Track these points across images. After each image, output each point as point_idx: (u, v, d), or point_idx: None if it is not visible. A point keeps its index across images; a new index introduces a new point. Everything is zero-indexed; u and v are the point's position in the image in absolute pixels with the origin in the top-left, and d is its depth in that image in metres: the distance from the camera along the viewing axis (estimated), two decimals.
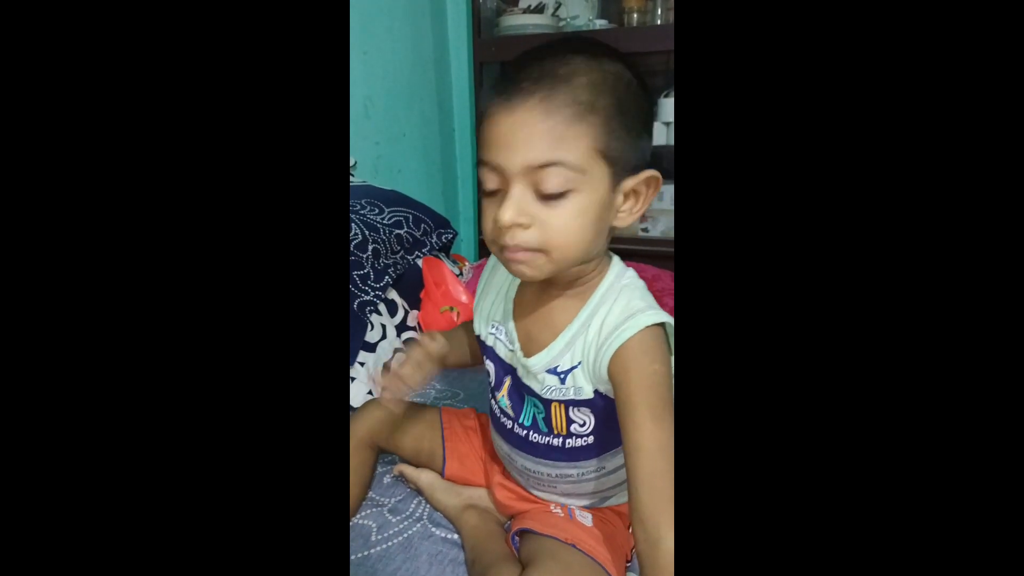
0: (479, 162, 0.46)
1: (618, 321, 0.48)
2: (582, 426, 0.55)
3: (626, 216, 0.48)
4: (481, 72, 1.65)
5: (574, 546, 0.54)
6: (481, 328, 0.61)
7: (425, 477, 0.67)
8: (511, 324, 0.57)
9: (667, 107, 1.54)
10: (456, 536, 0.63)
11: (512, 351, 0.56)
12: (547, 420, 0.55)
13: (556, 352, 0.52)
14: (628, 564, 0.59)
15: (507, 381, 0.58)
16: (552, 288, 0.53)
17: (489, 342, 0.59)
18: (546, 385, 0.53)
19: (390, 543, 0.62)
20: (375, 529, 0.64)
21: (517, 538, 0.59)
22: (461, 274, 1.29)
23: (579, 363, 0.51)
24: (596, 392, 0.51)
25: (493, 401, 0.61)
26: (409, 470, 0.69)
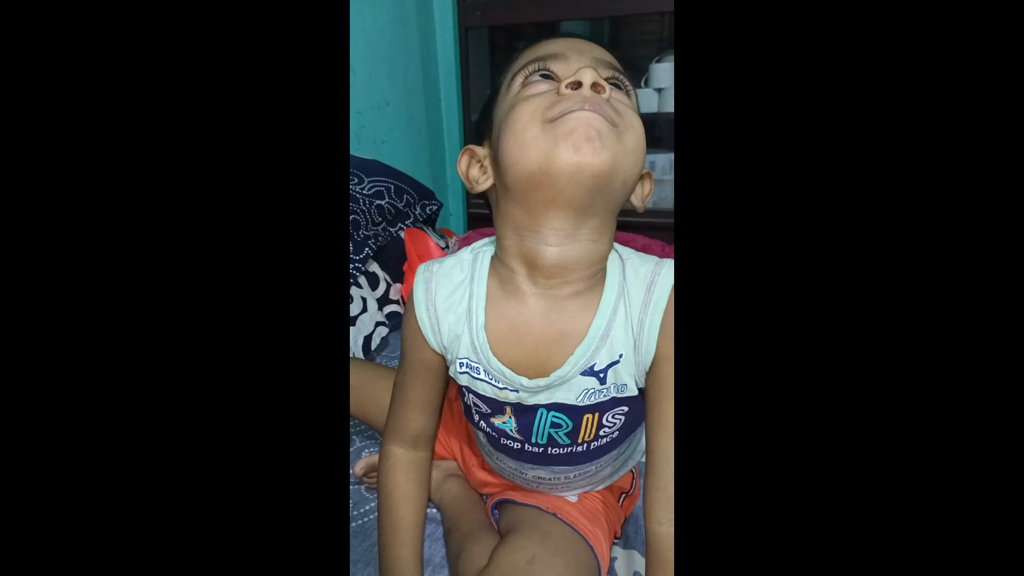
0: (515, 73, 0.43)
1: (645, 288, 0.44)
2: (612, 428, 0.49)
3: (639, 199, 0.46)
4: (467, 38, 1.60)
5: (555, 515, 0.53)
6: (449, 361, 0.50)
7: None
8: (495, 362, 0.46)
9: (658, 73, 1.50)
10: (433, 511, 0.62)
11: (505, 389, 0.47)
12: (572, 433, 0.49)
13: (590, 350, 0.44)
14: (616, 540, 0.58)
15: (508, 408, 0.49)
16: (567, 285, 0.43)
17: (462, 381, 0.48)
18: (582, 390, 0.45)
19: (366, 519, 0.61)
20: (351, 506, 0.63)
21: (496, 510, 0.58)
22: (447, 247, 1.26)
23: (620, 356, 0.45)
24: (640, 390, 0.46)
25: (484, 423, 0.52)
26: (371, 461, 0.65)
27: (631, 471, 0.61)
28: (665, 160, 1.65)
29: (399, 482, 0.52)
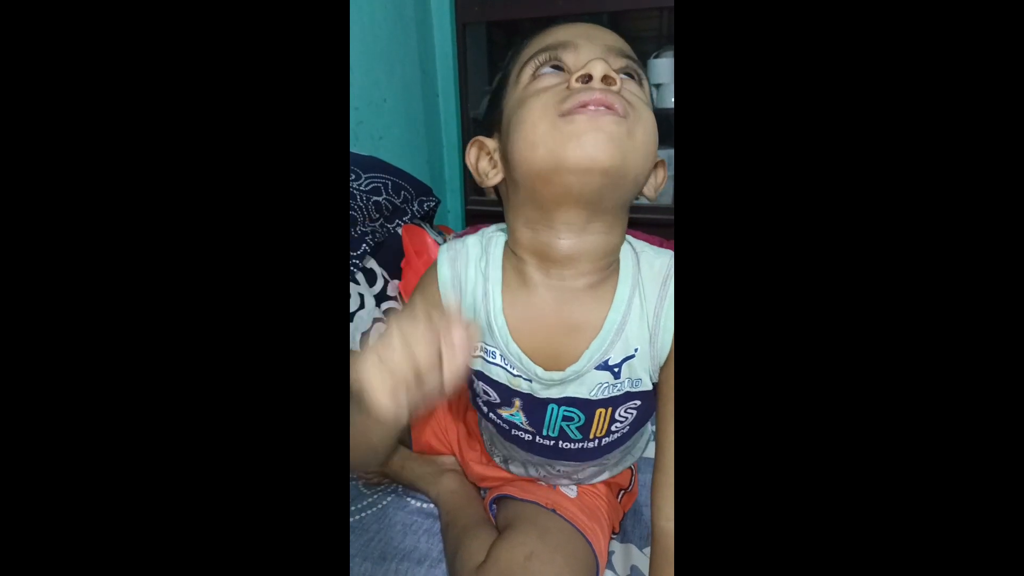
0: (524, 63, 0.42)
1: (661, 281, 0.43)
2: (624, 422, 0.49)
3: (651, 189, 0.45)
4: (465, 33, 1.59)
5: (554, 511, 0.53)
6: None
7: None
8: (513, 347, 0.45)
9: (656, 68, 1.50)
10: (431, 506, 0.62)
11: (519, 377, 0.47)
12: (584, 427, 0.49)
13: (605, 344, 0.44)
14: (614, 535, 0.58)
15: (517, 401, 0.49)
16: (581, 276, 0.43)
17: (475, 365, 0.49)
18: (595, 384, 0.45)
19: (364, 514, 0.61)
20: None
21: (495, 505, 0.58)
22: (444, 243, 1.26)
23: (636, 350, 0.44)
24: (654, 384, 0.46)
25: (493, 415, 0.52)
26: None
27: (630, 468, 0.61)
28: (663, 155, 1.65)
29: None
